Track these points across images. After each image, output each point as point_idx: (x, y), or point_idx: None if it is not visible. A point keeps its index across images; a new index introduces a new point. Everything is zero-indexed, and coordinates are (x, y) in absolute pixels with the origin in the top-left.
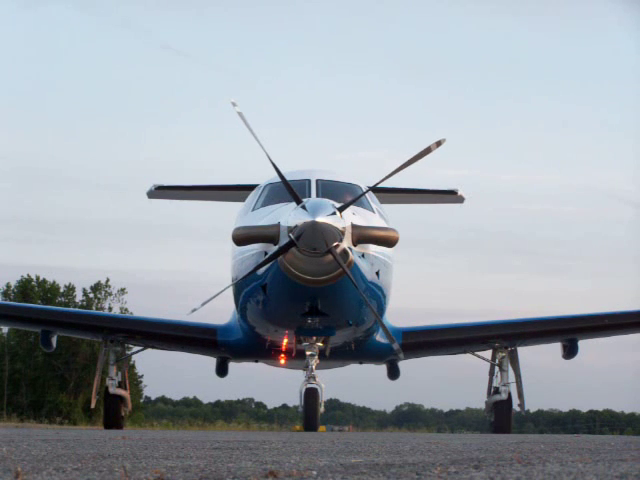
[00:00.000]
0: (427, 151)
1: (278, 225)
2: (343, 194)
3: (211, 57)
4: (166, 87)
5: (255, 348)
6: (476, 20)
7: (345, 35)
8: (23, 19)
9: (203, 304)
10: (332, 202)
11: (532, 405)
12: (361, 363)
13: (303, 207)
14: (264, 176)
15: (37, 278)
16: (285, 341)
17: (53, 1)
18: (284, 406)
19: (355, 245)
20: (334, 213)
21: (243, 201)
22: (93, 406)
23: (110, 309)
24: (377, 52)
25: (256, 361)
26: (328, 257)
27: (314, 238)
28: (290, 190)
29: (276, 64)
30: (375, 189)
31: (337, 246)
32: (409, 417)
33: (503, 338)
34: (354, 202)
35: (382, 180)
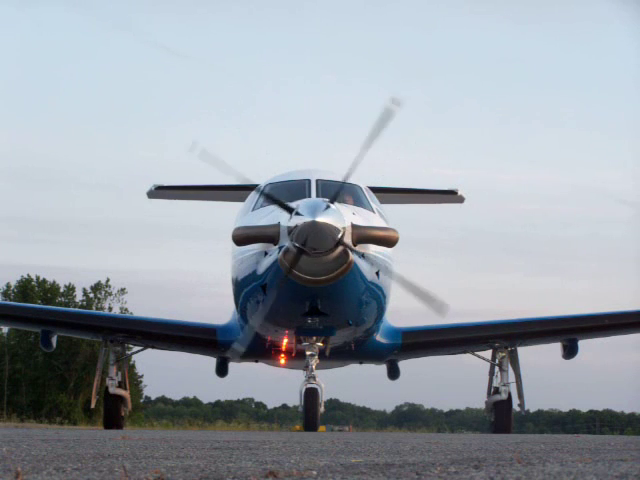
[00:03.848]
0: (388, 114)
1: (278, 225)
2: (343, 194)
3: (210, 58)
4: (166, 88)
5: (255, 348)
6: (474, 21)
7: (344, 35)
8: (20, 20)
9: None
10: (323, 198)
11: (532, 405)
12: (361, 363)
13: (297, 213)
14: (264, 176)
15: (37, 278)
16: (285, 341)
17: (50, 2)
18: (284, 406)
19: (355, 245)
20: (328, 207)
21: (243, 201)
22: (93, 406)
23: (110, 309)
24: (376, 53)
25: (256, 361)
26: (328, 257)
27: (314, 238)
28: (279, 203)
29: (275, 65)
30: (375, 189)
31: (337, 245)
32: (409, 417)
33: (503, 338)
34: (340, 191)
35: (355, 165)
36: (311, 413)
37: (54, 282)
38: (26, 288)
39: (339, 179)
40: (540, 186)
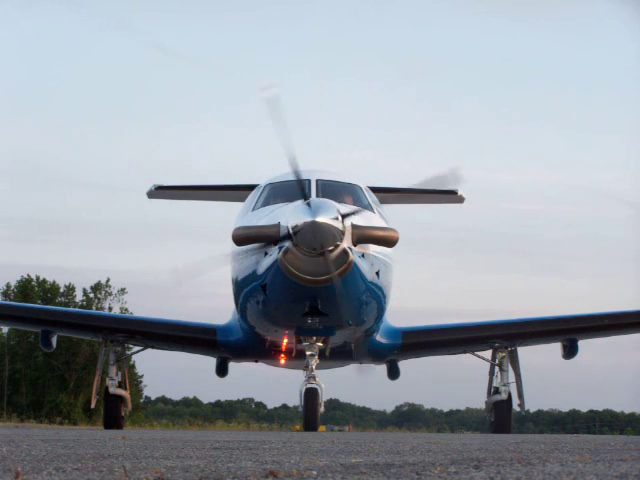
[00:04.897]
0: (441, 181)
1: (278, 225)
2: (343, 194)
3: (209, 59)
4: (165, 88)
5: (255, 348)
6: (474, 20)
7: (344, 35)
8: (20, 20)
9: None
10: (338, 207)
11: (532, 405)
12: (361, 363)
13: (308, 204)
14: (264, 176)
15: (37, 278)
16: (285, 341)
17: (50, 2)
18: (284, 406)
19: (355, 245)
20: (336, 218)
21: (243, 201)
22: (93, 406)
23: (110, 309)
24: (376, 52)
25: (256, 361)
26: (328, 257)
27: (313, 238)
28: (299, 186)
29: (274, 65)
30: (375, 189)
31: (337, 246)
32: (409, 417)
33: (503, 338)
34: (360, 211)
35: (391, 190)
36: (311, 413)
37: (54, 282)
38: (26, 288)
39: (339, 179)
40: (540, 186)
